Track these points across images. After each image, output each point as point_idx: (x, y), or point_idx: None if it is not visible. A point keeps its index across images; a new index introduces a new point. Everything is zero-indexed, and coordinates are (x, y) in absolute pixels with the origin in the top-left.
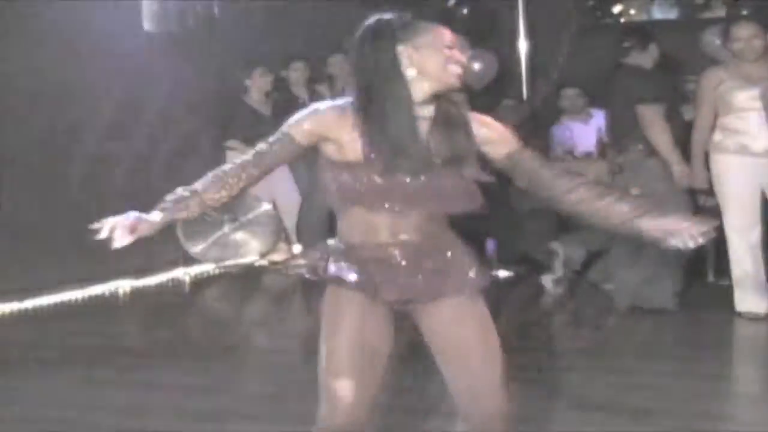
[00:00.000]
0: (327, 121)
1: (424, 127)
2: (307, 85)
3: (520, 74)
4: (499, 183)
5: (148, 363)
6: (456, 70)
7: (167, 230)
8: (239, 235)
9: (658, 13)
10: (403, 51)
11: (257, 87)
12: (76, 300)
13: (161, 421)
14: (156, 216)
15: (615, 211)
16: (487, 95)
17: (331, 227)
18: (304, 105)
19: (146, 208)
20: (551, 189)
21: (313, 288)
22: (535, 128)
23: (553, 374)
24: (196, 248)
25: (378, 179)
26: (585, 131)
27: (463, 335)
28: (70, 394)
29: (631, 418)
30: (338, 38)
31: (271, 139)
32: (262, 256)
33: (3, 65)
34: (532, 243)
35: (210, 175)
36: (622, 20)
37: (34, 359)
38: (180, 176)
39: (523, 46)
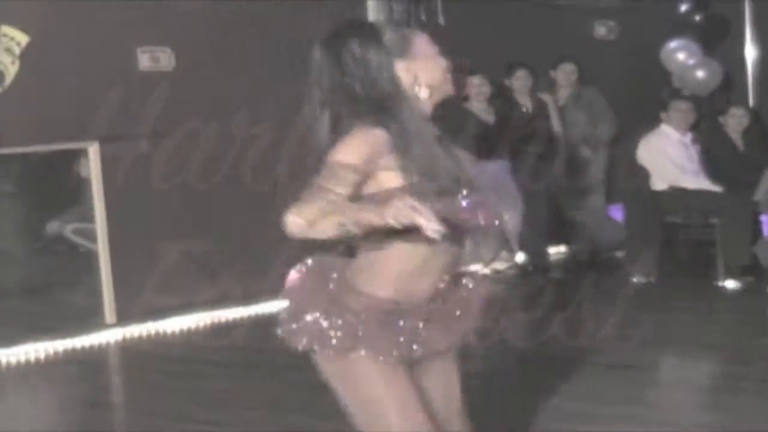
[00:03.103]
0: (379, 142)
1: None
2: (531, 93)
3: (746, 81)
4: (731, 192)
5: None
6: (451, 77)
7: None
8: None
9: None
10: (403, 66)
11: (476, 94)
12: None
13: None
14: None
15: None
16: (712, 102)
17: (552, 236)
18: (527, 113)
19: None
20: None
21: (534, 298)
22: (762, 136)
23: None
24: None
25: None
26: None
27: (445, 388)
28: (281, 398)
29: None
30: (559, 46)
31: (336, 179)
32: (486, 264)
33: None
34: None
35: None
36: None
37: (257, 364)
38: None
39: (750, 51)
